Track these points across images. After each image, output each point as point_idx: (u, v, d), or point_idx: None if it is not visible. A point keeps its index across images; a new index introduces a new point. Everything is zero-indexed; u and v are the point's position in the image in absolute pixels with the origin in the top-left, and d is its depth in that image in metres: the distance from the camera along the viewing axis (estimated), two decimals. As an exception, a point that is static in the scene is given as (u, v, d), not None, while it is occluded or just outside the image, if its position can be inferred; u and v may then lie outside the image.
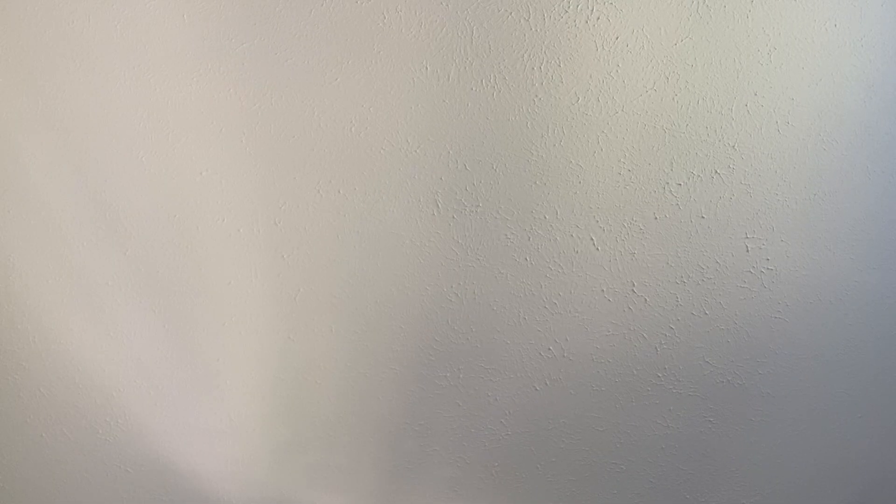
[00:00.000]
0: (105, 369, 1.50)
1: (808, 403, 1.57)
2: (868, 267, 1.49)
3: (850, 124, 1.39)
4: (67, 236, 1.42)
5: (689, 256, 1.45)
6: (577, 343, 1.50)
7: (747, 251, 1.45)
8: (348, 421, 1.56)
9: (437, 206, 1.41)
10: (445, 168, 1.39)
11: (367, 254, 1.43)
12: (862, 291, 1.50)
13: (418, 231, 1.42)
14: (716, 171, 1.40)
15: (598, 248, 1.44)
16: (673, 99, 1.35)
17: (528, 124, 1.36)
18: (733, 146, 1.39)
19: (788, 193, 1.42)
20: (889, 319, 1.53)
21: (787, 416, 1.57)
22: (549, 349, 1.50)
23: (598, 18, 1.31)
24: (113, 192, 1.40)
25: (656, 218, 1.42)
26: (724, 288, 1.47)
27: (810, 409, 1.58)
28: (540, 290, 1.46)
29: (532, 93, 1.35)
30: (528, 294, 1.47)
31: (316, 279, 1.45)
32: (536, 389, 1.53)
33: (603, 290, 1.47)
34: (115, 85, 1.33)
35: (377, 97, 1.34)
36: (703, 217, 1.43)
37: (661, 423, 1.56)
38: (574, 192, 1.40)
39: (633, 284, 1.47)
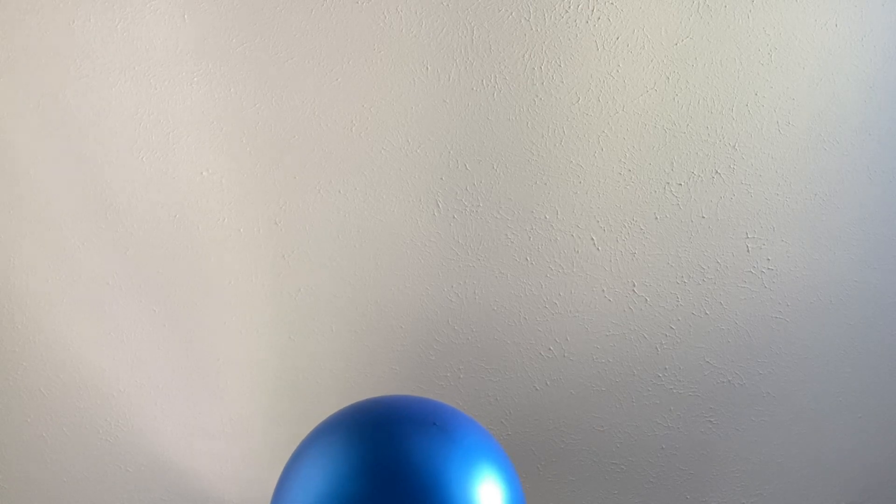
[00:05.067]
0: (105, 369, 1.50)
1: (808, 403, 1.57)
2: (868, 267, 1.49)
3: (850, 124, 1.39)
4: (68, 236, 1.41)
5: (689, 256, 1.45)
6: (578, 343, 1.50)
7: (748, 251, 1.46)
8: (348, 421, 1.56)
9: (438, 206, 1.41)
10: (446, 168, 1.39)
11: (368, 254, 1.43)
12: (862, 291, 1.50)
13: (418, 231, 1.42)
14: (716, 171, 1.40)
15: (598, 248, 1.44)
16: (673, 99, 1.35)
17: (528, 124, 1.36)
18: (734, 146, 1.39)
19: (789, 193, 1.43)
20: (889, 319, 1.53)
21: (787, 416, 1.57)
22: (550, 349, 1.50)
23: (599, 18, 1.31)
24: (113, 192, 1.39)
25: (657, 218, 1.43)
26: (724, 288, 1.47)
27: (810, 409, 1.58)
28: (540, 290, 1.46)
29: (532, 93, 1.35)
30: (528, 294, 1.47)
31: (316, 279, 1.45)
32: (536, 389, 1.53)
33: (603, 290, 1.47)
34: (115, 85, 1.33)
35: (377, 97, 1.34)
36: (703, 217, 1.43)
37: (662, 423, 1.56)
38: (574, 191, 1.40)
39: (634, 284, 1.47)
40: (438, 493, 0.86)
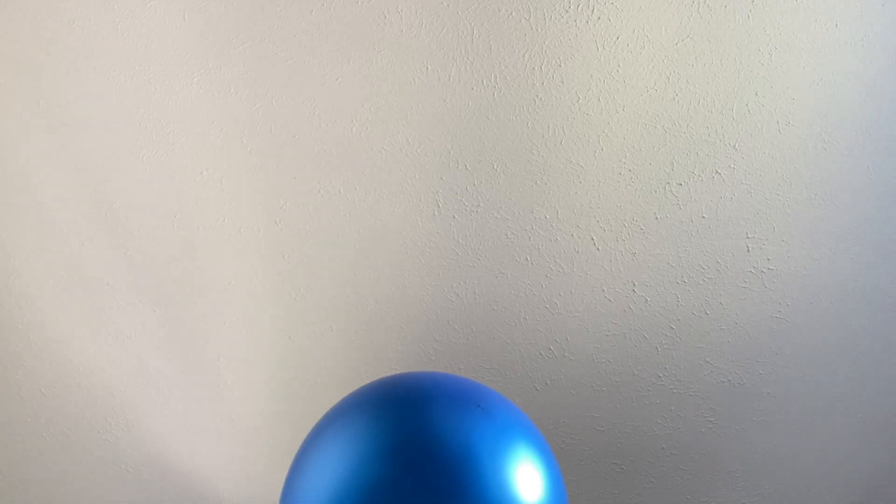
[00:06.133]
0: (105, 369, 1.50)
1: (808, 403, 1.57)
2: (868, 267, 1.49)
3: (850, 124, 1.39)
4: (67, 236, 1.41)
5: (689, 256, 1.45)
6: (578, 343, 1.50)
7: (748, 251, 1.46)
8: (349, 421, 1.55)
9: (438, 206, 1.41)
10: (446, 168, 1.39)
11: (368, 254, 1.43)
12: (862, 291, 1.50)
13: (419, 231, 1.42)
14: (717, 171, 1.40)
15: (598, 248, 1.44)
16: (674, 99, 1.35)
17: (528, 124, 1.36)
18: (734, 146, 1.39)
19: (789, 193, 1.42)
20: (889, 319, 1.53)
21: (787, 416, 1.57)
22: (550, 349, 1.50)
23: (599, 18, 1.31)
24: (113, 192, 1.39)
25: (657, 218, 1.43)
26: (724, 288, 1.47)
27: (810, 409, 1.58)
28: (541, 290, 1.46)
29: (533, 93, 1.35)
30: (528, 294, 1.47)
31: (316, 279, 1.45)
32: (536, 389, 1.53)
33: (604, 290, 1.47)
34: (115, 85, 1.33)
35: (377, 97, 1.34)
36: (703, 217, 1.43)
37: (662, 423, 1.56)
38: (575, 191, 1.40)
39: (634, 284, 1.47)
40: (479, 483, 0.75)
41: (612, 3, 1.30)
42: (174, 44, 1.31)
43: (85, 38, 1.31)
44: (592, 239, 1.43)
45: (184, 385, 1.52)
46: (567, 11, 1.30)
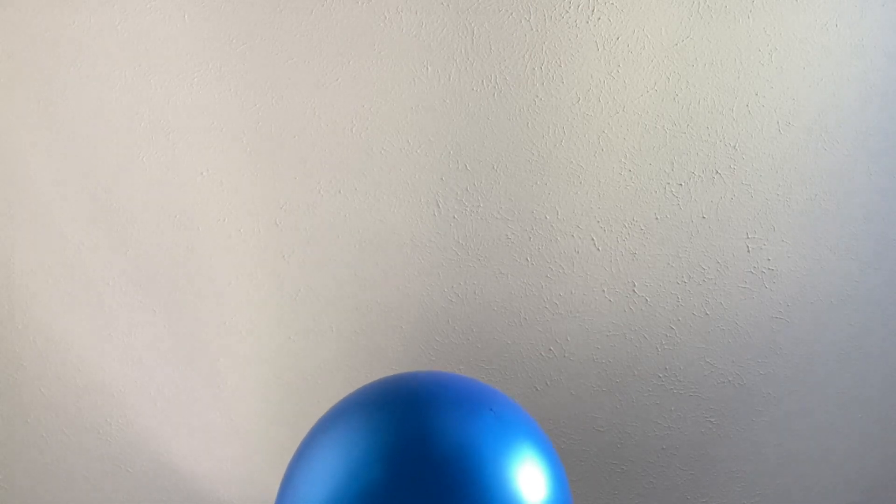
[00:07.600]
0: (105, 369, 1.50)
1: (808, 404, 1.57)
2: (868, 267, 1.49)
3: (850, 124, 1.39)
4: (67, 236, 1.41)
5: (690, 256, 1.45)
6: (578, 343, 1.50)
7: (748, 251, 1.46)
8: (348, 421, 1.55)
9: (438, 206, 1.41)
10: (446, 168, 1.39)
11: (367, 254, 1.43)
12: (862, 291, 1.50)
13: (419, 231, 1.42)
14: (717, 172, 1.40)
15: (598, 249, 1.44)
16: (674, 99, 1.35)
17: (528, 124, 1.36)
18: (734, 146, 1.39)
19: (789, 193, 1.43)
20: (889, 319, 1.53)
21: (788, 416, 1.57)
22: (550, 349, 1.50)
23: (599, 18, 1.31)
24: (113, 192, 1.39)
25: (657, 218, 1.43)
26: (724, 288, 1.47)
27: (810, 410, 1.58)
28: (541, 290, 1.46)
29: (533, 93, 1.35)
30: (528, 294, 1.47)
31: (316, 279, 1.45)
32: (536, 389, 1.53)
33: (604, 291, 1.47)
34: (115, 85, 1.33)
35: (377, 97, 1.34)
36: (704, 217, 1.43)
37: (662, 423, 1.56)
38: (575, 192, 1.40)
39: (634, 284, 1.47)
40: (480, 486, 0.71)
41: (612, 3, 1.30)
42: (174, 44, 1.31)
43: (85, 38, 1.31)
44: (592, 239, 1.43)
45: (184, 385, 1.52)
46: (567, 11, 1.31)
